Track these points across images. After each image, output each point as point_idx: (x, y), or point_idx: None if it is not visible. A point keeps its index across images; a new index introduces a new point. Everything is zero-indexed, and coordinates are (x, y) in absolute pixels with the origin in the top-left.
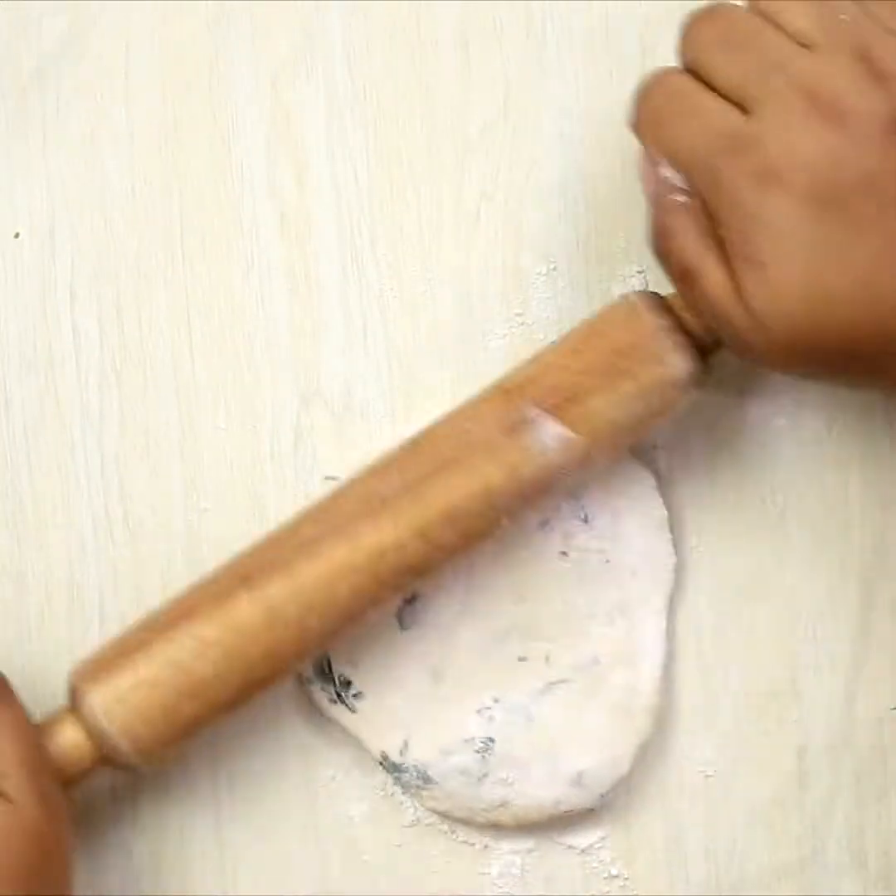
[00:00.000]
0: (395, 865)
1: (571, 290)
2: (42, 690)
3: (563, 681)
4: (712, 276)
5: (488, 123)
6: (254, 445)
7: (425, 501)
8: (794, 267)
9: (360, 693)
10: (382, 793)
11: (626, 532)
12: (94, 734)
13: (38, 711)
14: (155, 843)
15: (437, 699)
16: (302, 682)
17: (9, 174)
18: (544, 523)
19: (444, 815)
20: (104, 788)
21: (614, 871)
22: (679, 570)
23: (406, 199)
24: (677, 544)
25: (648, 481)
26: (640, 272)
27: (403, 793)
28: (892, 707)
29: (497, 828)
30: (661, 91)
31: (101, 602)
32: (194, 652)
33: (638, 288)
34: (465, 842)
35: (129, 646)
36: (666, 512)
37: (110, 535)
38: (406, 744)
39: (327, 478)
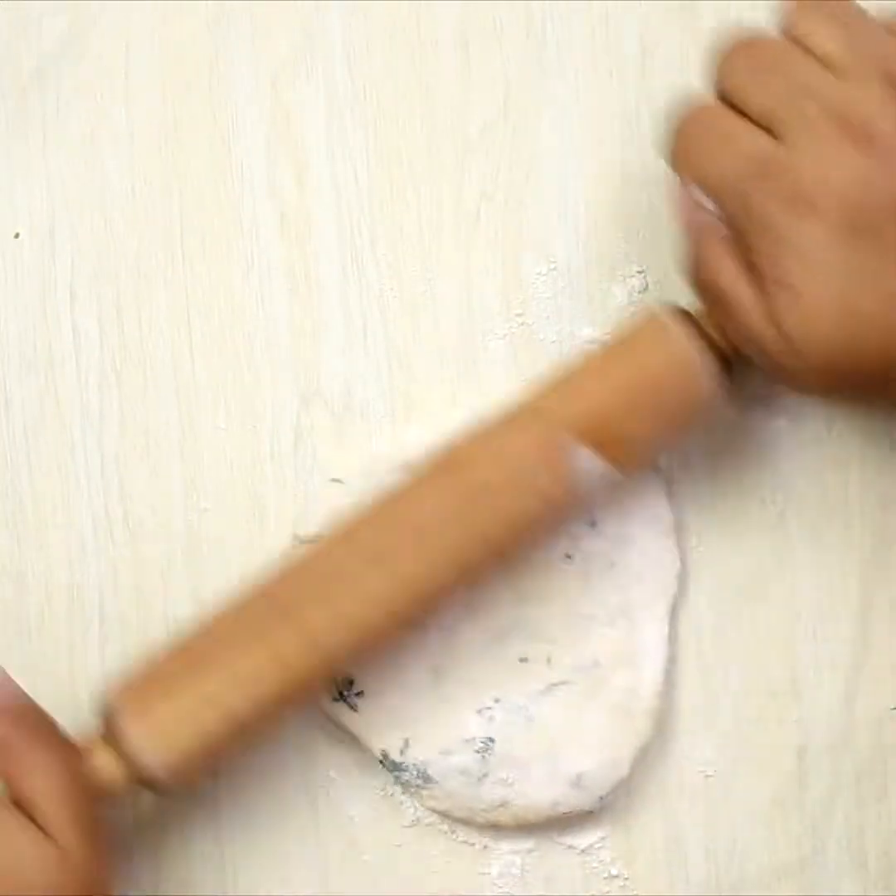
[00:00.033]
0: (395, 865)
1: (571, 290)
2: (42, 690)
3: (563, 682)
4: (746, 301)
5: (488, 123)
6: (254, 445)
7: (463, 531)
8: (826, 292)
9: (361, 692)
10: (382, 793)
11: (633, 536)
12: (131, 764)
13: None
14: (155, 843)
15: (437, 698)
16: None
17: (9, 174)
18: None
19: (444, 815)
20: None
21: (614, 871)
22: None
23: (406, 199)
24: (678, 544)
25: (658, 486)
26: (640, 272)
27: (403, 792)
28: (892, 707)
29: (496, 828)
30: (694, 119)
31: (101, 602)
32: (234, 685)
33: (638, 287)
34: (465, 842)
35: (166, 674)
36: (673, 517)
37: (110, 535)
38: (407, 743)
39: (333, 480)
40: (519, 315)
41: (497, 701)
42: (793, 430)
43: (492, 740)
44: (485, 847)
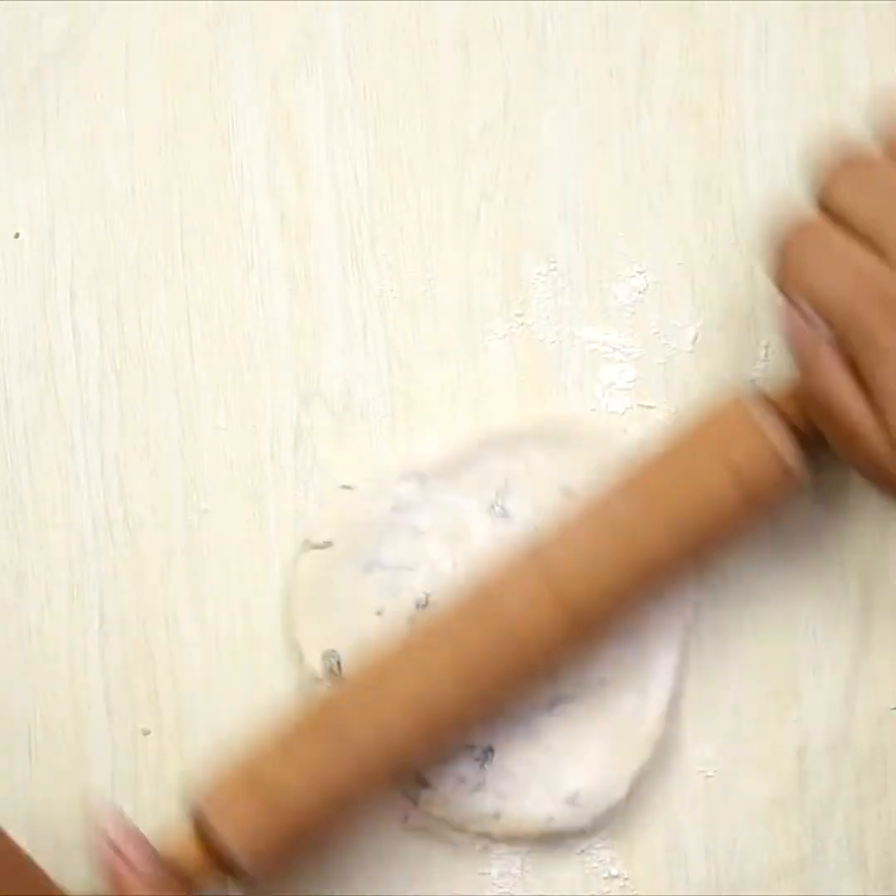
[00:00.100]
0: (395, 865)
1: (571, 290)
2: (42, 690)
3: (568, 699)
4: (858, 417)
5: (488, 123)
6: (254, 445)
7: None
8: None
9: None
10: None
11: None
12: (223, 862)
13: (37, 711)
14: (155, 843)
15: None
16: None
17: (9, 174)
18: None
19: (438, 821)
20: (104, 787)
21: (614, 871)
22: None
23: (406, 199)
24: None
25: None
26: (640, 272)
27: (400, 794)
28: (892, 707)
29: (487, 838)
30: (799, 235)
31: (101, 602)
32: (315, 780)
33: (638, 287)
34: (464, 842)
35: (256, 779)
36: None
37: (110, 535)
38: None
39: (343, 486)
40: (519, 315)
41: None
42: None
43: (491, 750)
44: (484, 847)
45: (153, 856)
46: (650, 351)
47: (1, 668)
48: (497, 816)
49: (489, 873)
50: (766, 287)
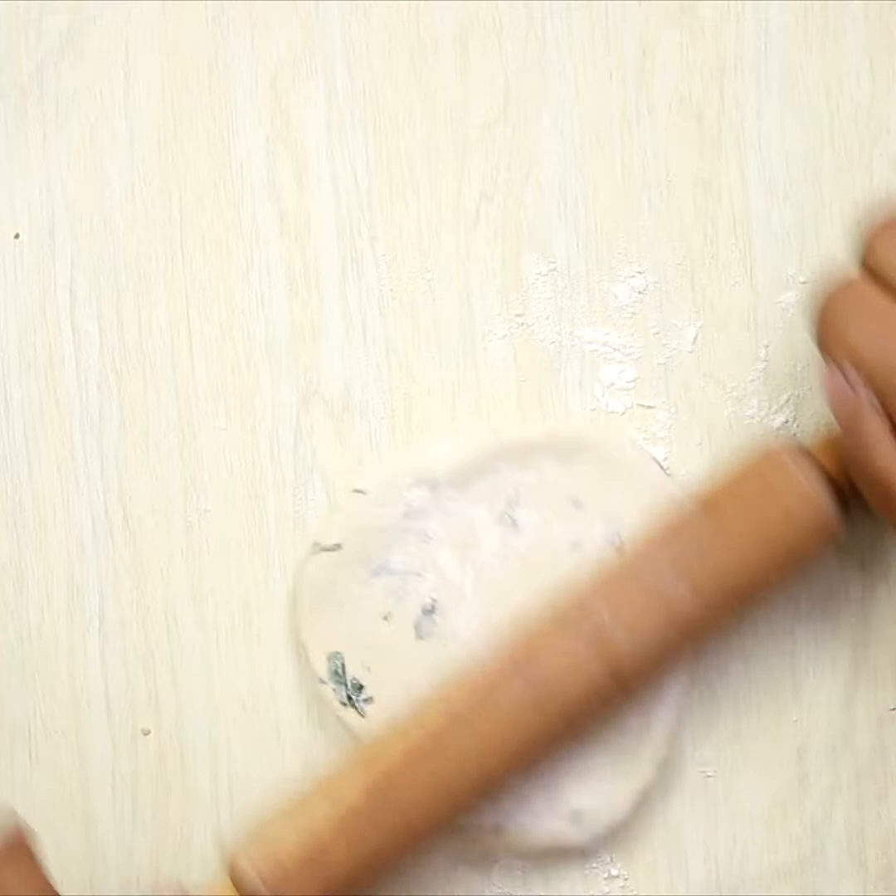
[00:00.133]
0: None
1: (571, 290)
2: (42, 690)
3: None
4: None
5: (488, 123)
6: (254, 445)
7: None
8: None
9: (370, 698)
10: None
11: None
12: None
13: (37, 711)
14: (155, 843)
15: None
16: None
17: (9, 174)
18: (576, 545)
19: None
20: (104, 788)
21: (614, 872)
22: None
23: (406, 199)
24: None
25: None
26: (640, 272)
27: None
28: (892, 707)
29: (486, 851)
30: (842, 296)
31: (101, 602)
32: (368, 866)
33: (638, 287)
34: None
35: (314, 859)
36: None
37: (110, 535)
38: None
39: (356, 490)
40: (519, 315)
41: None
42: (791, 429)
43: None
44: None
45: None
46: (650, 351)
47: (1, 668)
48: (498, 832)
49: (489, 873)
50: (766, 287)
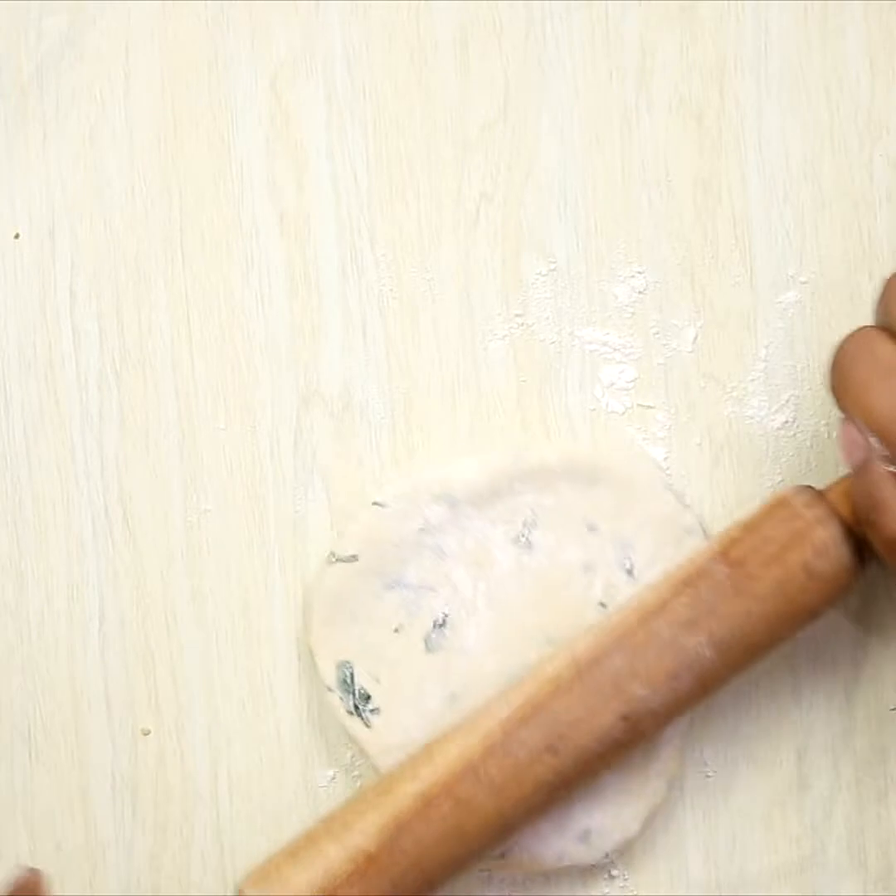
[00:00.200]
0: None
1: (571, 290)
2: (42, 690)
3: None
4: None
5: (488, 123)
6: (254, 445)
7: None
8: None
9: (376, 709)
10: None
11: None
12: None
13: (37, 711)
14: (155, 843)
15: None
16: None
17: (9, 174)
18: (589, 568)
19: None
20: (104, 787)
21: (614, 872)
22: None
23: (406, 199)
24: None
25: (700, 536)
26: (640, 272)
27: None
28: (892, 707)
29: (491, 872)
30: (857, 351)
31: (101, 602)
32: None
33: (638, 287)
34: None
35: (320, 892)
36: None
37: (110, 535)
38: None
39: (375, 503)
40: (519, 315)
41: None
42: (792, 430)
43: None
44: None
45: None
46: (650, 351)
47: (1, 668)
48: (503, 856)
49: (489, 873)
50: (766, 287)
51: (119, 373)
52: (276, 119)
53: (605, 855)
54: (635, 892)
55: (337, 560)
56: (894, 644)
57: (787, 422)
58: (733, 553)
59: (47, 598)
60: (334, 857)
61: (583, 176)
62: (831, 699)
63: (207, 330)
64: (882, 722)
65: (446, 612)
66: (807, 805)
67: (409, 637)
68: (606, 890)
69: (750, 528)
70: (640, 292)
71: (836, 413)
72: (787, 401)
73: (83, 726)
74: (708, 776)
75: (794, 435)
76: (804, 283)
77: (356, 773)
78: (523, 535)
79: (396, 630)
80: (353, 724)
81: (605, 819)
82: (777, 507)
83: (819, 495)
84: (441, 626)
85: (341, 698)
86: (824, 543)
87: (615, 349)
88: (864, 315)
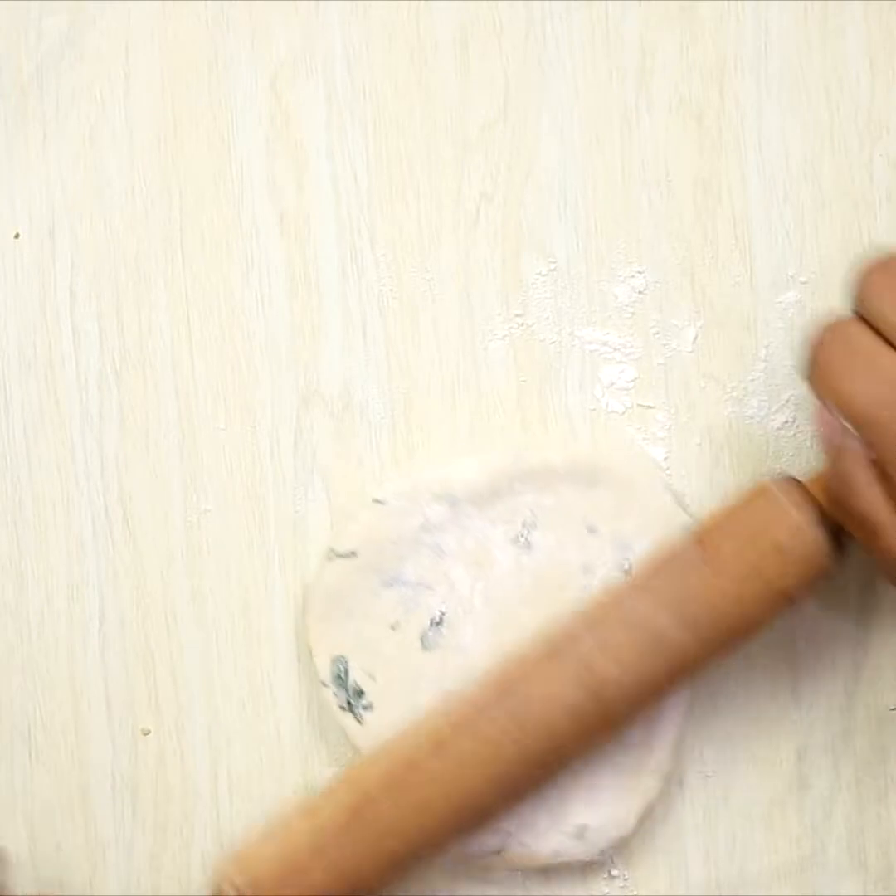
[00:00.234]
0: None
1: (571, 290)
2: (42, 690)
3: None
4: (885, 524)
5: (488, 123)
6: (254, 445)
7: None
8: None
9: (370, 705)
10: None
11: None
12: None
13: (37, 711)
14: (155, 843)
15: None
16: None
17: (9, 174)
18: (587, 569)
19: None
20: (104, 787)
21: (614, 872)
22: None
23: (406, 199)
24: None
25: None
26: (640, 272)
27: None
28: (892, 707)
29: (488, 868)
30: (833, 339)
31: (101, 602)
32: (347, 886)
33: (638, 287)
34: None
35: (285, 864)
36: None
37: (110, 535)
38: None
39: (375, 500)
40: (519, 315)
41: None
42: (792, 430)
43: None
44: None
45: None
46: (650, 351)
47: (1, 668)
48: (500, 852)
49: (489, 873)
50: (766, 287)
51: (119, 373)
52: (276, 119)
53: (600, 851)
54: (635, 892)
55: (336, 556)
56: (894, 644)
57: (787, 422)
58: (708, 536)
59: (47, 598)
60: (302, 830)
61: (583, 176)
62: (831, 699)
63: (207, 330)
64: (882, 722)
65: (443, 610)
66: (807, 805)
67: (406, 634)
68: (606, 889)
69: (727, 513)
70: (640, 292)
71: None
72: (787, 401)
73: (83, 726)
74: (708, 776)
75: (794, 435)
76: (804, 283)
77: None
78: (523, 536)
79: (393, 627)
80: (346, 719)
81: (601, 816)
82: (756, 494)
83: (797, 482)
84: (438, 624)
85: (335, 693)
86: (799, 525)
87: (615, 349)
88: None
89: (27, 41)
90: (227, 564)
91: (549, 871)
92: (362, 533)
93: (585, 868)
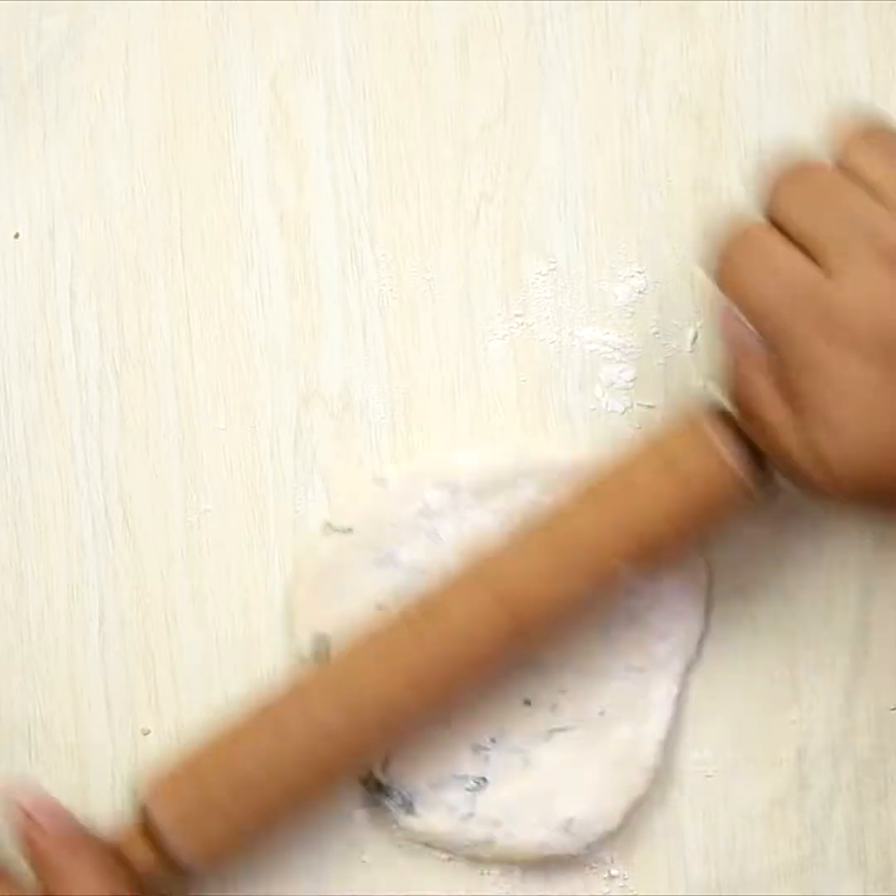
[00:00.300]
0: (395, 866)
1: (571, 290)
2: (42, 690)
3: (565, 729)
4: (781, 424)
5: (488, 123)
6: (253, 445)
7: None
8: (862, 423)
9: None
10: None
11: (663, 594)
12: (165, 853)
13: (37, 711)
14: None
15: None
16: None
17: (9, 174)
18: None
19: (425, 844)
20: (104, 788)
21: (614, 872)
22: None
23: (406, 199)
24: (705, 601)
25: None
26: (640, 272)
27: (383, 815)
28: (892, 707)
29: (476, 860)
30: (740, 240)
31: (101, 602)
32: (259, 770)
33: (638, 287)
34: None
35: (200, 768)
36: (707, 578)
37: (110, 535)
38: (387, 761)
39: (376, 479)
40: (519, 315)
41: (494, 741)
42: None
43: (484, 780)
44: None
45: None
46: (650, 351)
47: (1, 668)
48: (488, 843)
49: (490, 873)
50: None
51: (119, 373)
52: (276, 119)
53: (587, 845)
54: (635, 892)
55: (332, 530)
56: (894, 644)
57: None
58: (629, 458)
59: (47, 598)
60: (208, 737)
61: (583, 176)
62: (831, 699)
63: (207, 330)
64: (882, 722)
65: None
66: (807, 805)
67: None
68: (606, 889)
69: (649, 437)
70: (640, 292)
71: None
72: None
73: (83, 726)
74: (708, 776)
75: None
76: None
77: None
78: None
79: (379, 607)
80: None
81: (588, 810)
82: (680, 422)
83: (720, 405)
84: None
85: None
86: (716, 448)
87: (615, 349)
88: None
89: (27, 41)
90: (227, 564)
91: (549, 870)
92: (360, 510)
93: (585, 868)
